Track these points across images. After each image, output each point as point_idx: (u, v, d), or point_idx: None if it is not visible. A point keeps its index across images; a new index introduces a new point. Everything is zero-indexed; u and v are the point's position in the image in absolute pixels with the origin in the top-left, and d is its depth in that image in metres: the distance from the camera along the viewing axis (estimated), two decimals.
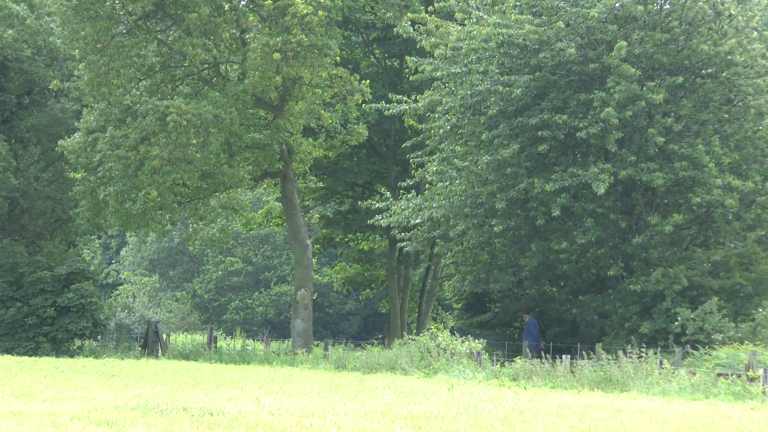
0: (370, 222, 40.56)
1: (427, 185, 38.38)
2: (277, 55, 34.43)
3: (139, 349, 41.45)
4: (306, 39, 34.56)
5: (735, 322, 31.95)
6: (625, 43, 32.04)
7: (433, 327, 52.23)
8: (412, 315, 53.78)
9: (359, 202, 44.94)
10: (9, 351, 38.07)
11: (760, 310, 32.32)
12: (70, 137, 37.81)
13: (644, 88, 32.45)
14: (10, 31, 40.15)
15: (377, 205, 39.51)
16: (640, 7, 33.25)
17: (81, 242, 45.18)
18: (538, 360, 28.38)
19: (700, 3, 32.63)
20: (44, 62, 41.00)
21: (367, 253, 54.59)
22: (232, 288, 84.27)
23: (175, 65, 37.76)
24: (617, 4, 33.36)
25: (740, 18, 33.19)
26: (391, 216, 38.04)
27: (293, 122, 38.73)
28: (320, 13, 34.70)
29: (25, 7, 41.06)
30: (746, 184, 32.36)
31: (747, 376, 25.09)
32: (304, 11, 34.37)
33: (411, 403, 18.97)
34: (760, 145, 33.82)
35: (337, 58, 37.24)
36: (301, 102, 38.21)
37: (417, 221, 37.22)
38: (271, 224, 53.65)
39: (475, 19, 35.16)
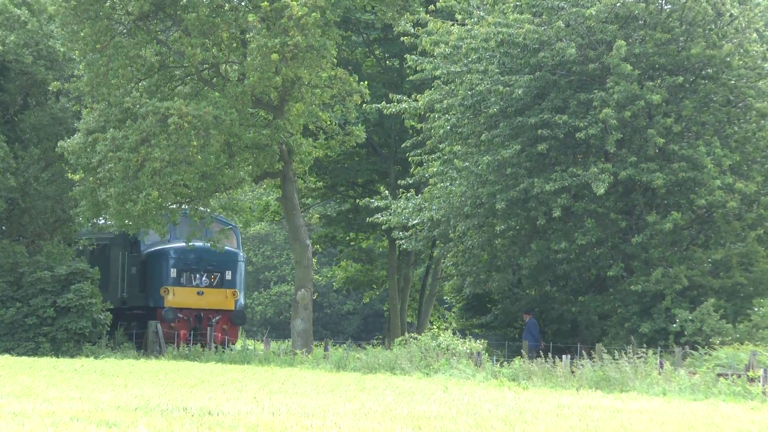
0: (369, 220, 40.53)
1: (427, 186, 38.38)
2: (274, 56, 34.39)
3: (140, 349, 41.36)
4: (303, 41, 34.51)
5: (735, 321, 31.95)
6: (623, 43, 32.03)
7: (435, 327, 52.21)
8: (413, 315, 53.74)
9: (358, 201, 44.91)
10: (9, 351, 38.05)
11: (756, 309, 32.31)
12: (70, 137, 37.81)
13: (643, 88, 32.45)
14: (12, 37, 40.13)
15: (377, 203, 39.51)
16: (642, 5, 33.23)
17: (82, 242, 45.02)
18: (538, 360, 28.39)
19: (703, 3, 32.59)
20: (45, 65, 40.99)
21: (367, 252, 54.56)
22: None
23: (175, 65, 37.75)
24: (618, 3, 33.35)
25: (741, 19, 33.16)
26: (390, 215, 38.03)
27: (293, 122, 38.71)
28: (313, 14, 34.56)
29: (26, 11, 41.03)
30: (748, 186, 32.35)
31: (747, 376, 25.09)
32: (299, 13, 34.31)
33: (411, 403, 18.98)
34: (762, 146, 33.80)
35: (334, 59, 37.20)
36: (300, 103, 38.19)
37: (416, 221, 37.22)
38: (266, 219, 53.68)
39: (475, 19, 35.15)
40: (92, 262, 43.10)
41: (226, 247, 43.53)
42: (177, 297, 40.99)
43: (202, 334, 41.56)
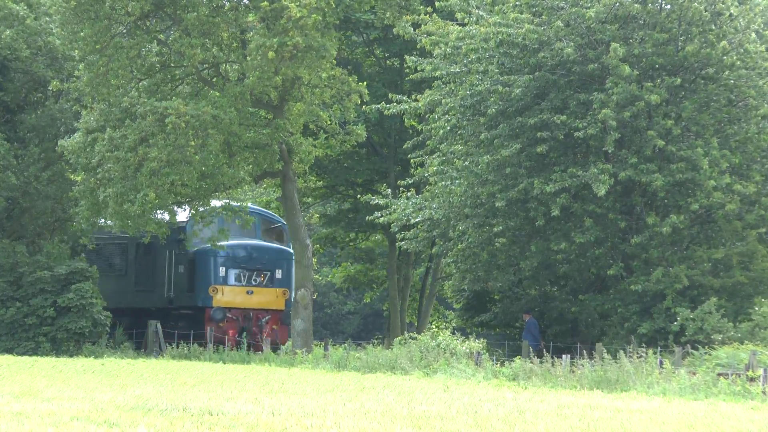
0: (368, 219, 40.52)
1: (427, 186, 38.41)
2: (271, 54, 34.34)
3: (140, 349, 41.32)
4: (302, 41, 34.48)
5: (735, 321, 31.96)
6: (617, 45, 32.01)
7: (435, 326, 52.21)
8: (412, 315, 53.76)
9: (359, 197, 44.81)
10: (9, 351, 38.05)
11: (756, 308, 32.31)
12: (70, 137, 37.81)
13: (643, 88, 32.44)
14: (8, 32, 40.12)
15: (377, 201, 39.51)
16: (638, 6, 33.21)
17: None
18: (538, 360, 28.39)
19: (695, 4, 32.58)
20: (44, 62, 40.97)
21: (367, 252, 54.59)
22: None
23: (175, 65, 37.75)
24: (617, 4, 33.34)
25: (741, 19, 33.13)
26: (390, 214, 38.05)
27: (293, 122, 38.72)
28: (314, 16, 34.51)
29: (25, 7, 41.02)
30: (747, 187, 32.34)
31: (747, 376, 25.09)
32: (298, 15, 34.28)
33: (411, 403, 18.99)
34: (763, 147, 33.78)
35: (333, 60, 37.19)
36: (300, 102, 38.18)
37: (417, 219, 37.23)
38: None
39: (475, 19, 35.16)
40: (137, 261, 42.44)
41: (277, 245, 42.91)
42: (226, 296, 40.29)
43: (252, 333, 40.27)
